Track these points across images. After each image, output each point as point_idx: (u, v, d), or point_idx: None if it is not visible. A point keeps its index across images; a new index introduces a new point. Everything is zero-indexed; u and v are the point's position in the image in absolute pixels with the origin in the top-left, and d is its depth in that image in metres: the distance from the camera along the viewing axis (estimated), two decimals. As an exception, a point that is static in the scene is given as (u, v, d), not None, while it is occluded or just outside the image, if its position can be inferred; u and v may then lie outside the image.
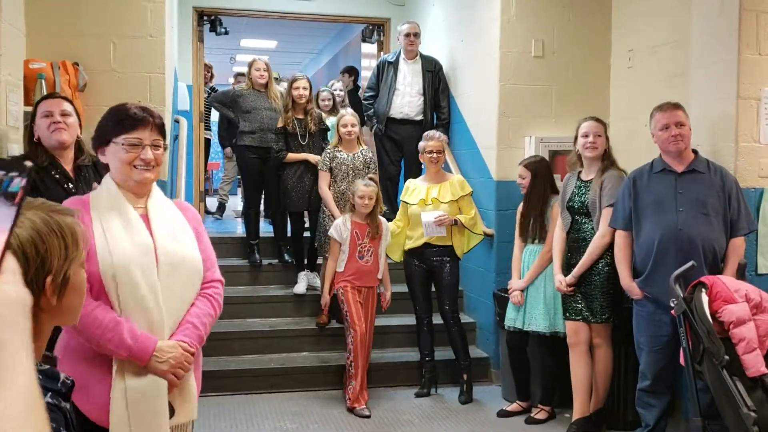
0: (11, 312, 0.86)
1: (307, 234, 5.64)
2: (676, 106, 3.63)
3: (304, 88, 5.38)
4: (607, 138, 4.08)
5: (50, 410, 1.04)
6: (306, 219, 5.67)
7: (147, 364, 2.05)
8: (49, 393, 1.14)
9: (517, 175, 4.54)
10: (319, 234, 5.25)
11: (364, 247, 4.66)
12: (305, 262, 5.64)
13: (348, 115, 5.21)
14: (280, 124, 5.45)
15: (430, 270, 4.84)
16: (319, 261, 5.45)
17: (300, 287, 5.54)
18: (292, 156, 5.39)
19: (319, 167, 5.20)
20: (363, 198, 4.62)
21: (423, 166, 5.00)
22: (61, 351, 2.08)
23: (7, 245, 0.84)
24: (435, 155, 4.78)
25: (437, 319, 4.94)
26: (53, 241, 1.21)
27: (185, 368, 2.12)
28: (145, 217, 2.16)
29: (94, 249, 2.03)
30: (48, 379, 1.15)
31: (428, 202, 4.74)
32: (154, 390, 2.07)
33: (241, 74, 8.34)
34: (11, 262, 0.89)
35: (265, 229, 6.43)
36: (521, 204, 4.54)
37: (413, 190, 4.87)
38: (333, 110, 6.46)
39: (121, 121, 2.14)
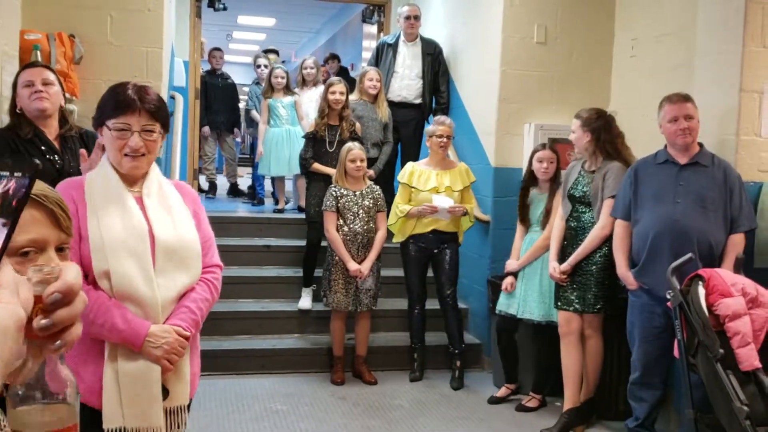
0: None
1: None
2: (686, 98, 3.56)
3: (341, 93, 5.08)
4: None
5: None
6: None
7: (140, 349, 2.00)
8: None
9: (536, 160, 4.37)
10: (326, 273, 4.81)
11: None
12: (312, 276, 5.30)
13: (356, 149, 4.73)
14: (311, 129, 5.23)
15: (430, 255, 4.81)
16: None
17: (304, 302, 5.25)
18: (317, 167, 5.13)
19: (323, 207, 4.75)
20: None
21: (421, 149, 4.91)
22: None
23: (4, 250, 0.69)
24: (444, 140, 4.72)
25: (429, 305, 4.91)
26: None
27: (179, 353, 2.06)
28: (140, 200, 2.08)
29: (87, 234, 1.98)
30: None
31: (441, 190, 4.69)
32: (147, 374, 2.02)
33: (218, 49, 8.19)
34: (8, 272, 0.71)
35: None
36: (522, 191, 4.50)
37: (420, 176, 4.75)
38: (287, 89, 6.59)
39: (114, 103, 2.05)
